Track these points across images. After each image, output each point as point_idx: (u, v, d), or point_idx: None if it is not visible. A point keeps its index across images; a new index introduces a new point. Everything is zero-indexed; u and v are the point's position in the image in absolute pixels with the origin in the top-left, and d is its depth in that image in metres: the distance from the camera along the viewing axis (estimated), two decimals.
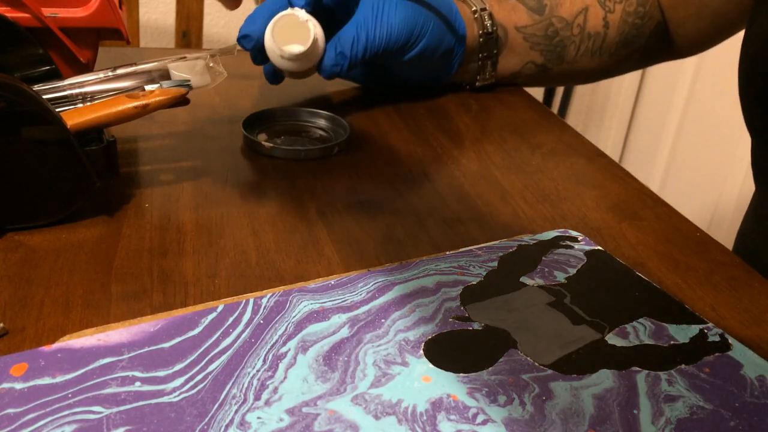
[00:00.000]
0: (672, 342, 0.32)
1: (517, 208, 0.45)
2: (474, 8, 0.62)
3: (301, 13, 0.50)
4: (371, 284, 0.35)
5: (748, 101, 0.51)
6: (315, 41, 0.50)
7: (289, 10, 0.50)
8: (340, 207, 0.44)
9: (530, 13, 0.63)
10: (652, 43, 0.67)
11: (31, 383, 0.27)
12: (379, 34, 0.54)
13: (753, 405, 0.29)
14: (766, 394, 0.30)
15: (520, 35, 0.64)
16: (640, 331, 0.33)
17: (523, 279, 0.36)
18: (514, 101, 0.64)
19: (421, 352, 0.30)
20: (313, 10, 0.52)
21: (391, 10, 0.54)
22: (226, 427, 0.26)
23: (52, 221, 0.39)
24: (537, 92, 1.52)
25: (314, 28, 0.50)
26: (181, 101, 0.42)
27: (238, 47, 0.51)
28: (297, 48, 0.50)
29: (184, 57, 0.44)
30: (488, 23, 0.62)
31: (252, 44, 0.52)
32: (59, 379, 0.27)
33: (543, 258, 0.38)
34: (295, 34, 0.50)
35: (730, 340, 0.33)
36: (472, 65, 0.63)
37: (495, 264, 0.37)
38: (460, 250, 0.39)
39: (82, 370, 0.28)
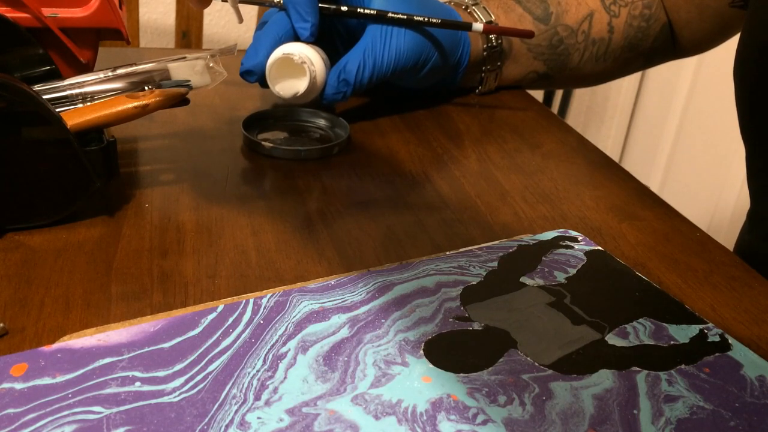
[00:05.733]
0: (672, 342, 0.32)
1: (517, 208, 0.45)
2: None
3: (298, 54, 0.51)
4: (371, 284, 0.35)
5: (741, 108, 0.52)
6: (313, 81, 0.52)
7: (288, 48, 0.51)
8: (340, 207, 0.44)
9: (536, 23, 0.63)
10: (658, 45, 0.67)
11: (31, 383, 0.27)
12: (387, 58, 0.53)
13: (753, 405, 0.29)
14: (766, 394, 0.30)
15: (524, 46, 0.63)
16: (640, 331, 0.33)
17: (523, 279, 0.36)
18: (514, 101, 0.64)
19: (421, 352, 0.30)
20: (317, 38, 0.53)
21: (401, 36, 0.54)
22: (226, 427, 0.26)
23: (52, 221, 0.39)
24: (537, 92, 1.52)
25: (312, 69, 0.51)
26: (181, 101, 0.42)
27: (239, 47, 0.51)
28: (294, 91, 0.52)
29: (184, 57, 0.44)
30: (493, 37, 0.61)
31: (255, 78, 0.53)
32: (59, 379, 0.27)
33: (543, 258, 0.38)
34: (293, 71, 0.52)
35: (730, 340, 0.33)
36: (475, 76, 0.63)
37: (495, 264, 0.37)
38: (460, 250, 0.39)
39: (82, 370, 0.28)
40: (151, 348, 0.29)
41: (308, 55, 0.51)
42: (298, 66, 0.51)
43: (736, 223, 0.58)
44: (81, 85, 0.41)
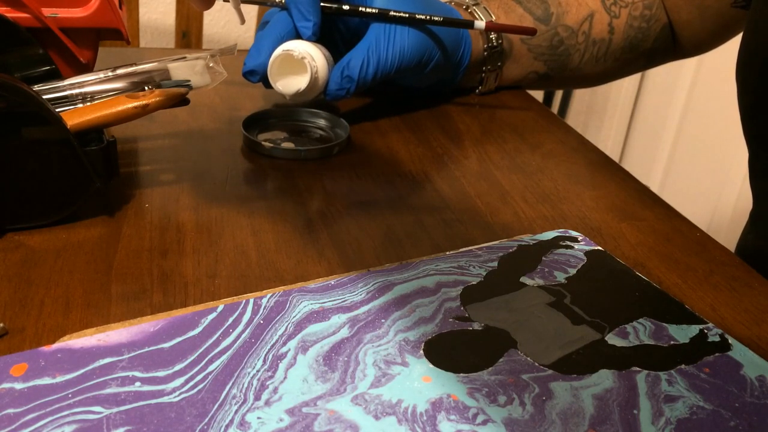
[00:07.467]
0: (672, 342, 0.32)
1: (517, 208, 0.45)
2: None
3: (298, 50, 0.51)
4: (371, 284, 0.35)
5: (744, 109, 0.52)
6: (314, 78, 0.51)
7: (288, 45, 0.51)
8: (340, 207, 0.44)
9: (537, 24, 0.63)
10: (658, 46, 0.67)
11: (31, 383, 0.27)
12: (391, 56, 0.53)
13: (753, 405, 0.29)
14: (766, 394, 0.30)
15: (524, 46, 0.63)
16: (640, 332, 0.33)
17: (523, 279, 0.36)
18: (514, 101, 0.64)
19: (421, 352, 0.30)
20: (319, 37, 0.52)
21: (404, 34, 0.54)
22: (226, 427, 0.26)
23: (52, 221, 0.39)
24: (537, 92, 1.52)
25: (312, 64, 0.51)
26: (181, 101, 0.42)
27: (239, 47, 0.51)
28: (296, 88, 0.51)
29: (184, 57, 0.44)
30: (493, 36, 0.61)
31: (258, 78, 0.53)
32: (59, 379, 0.27)
33: (543, 258, 0.38)
34: (295, 68, 0.52)
35: (730, 340, 0.33)
36: (475, 76, 0.63)
37: (495, 264, 0.37)
38: (460, 250, 0.39)
39: (82, 370, 0.28)
40: (151, 348, 0.29)
41: (309, 52, 0.51)
42: (300, 63, 0.51)
43: (736, 223, 0.58)
44: (81, 85, 0.41)
